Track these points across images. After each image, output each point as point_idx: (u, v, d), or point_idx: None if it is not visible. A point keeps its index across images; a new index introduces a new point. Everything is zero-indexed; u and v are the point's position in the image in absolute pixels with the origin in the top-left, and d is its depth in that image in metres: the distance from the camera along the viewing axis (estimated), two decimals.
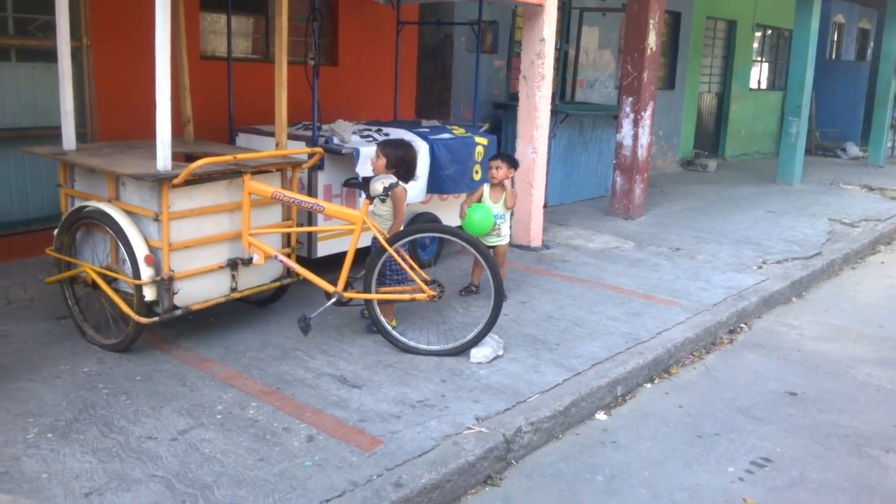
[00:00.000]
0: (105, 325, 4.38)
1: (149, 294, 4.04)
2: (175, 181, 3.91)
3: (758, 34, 15.76)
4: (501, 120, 9.09)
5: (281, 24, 4.63)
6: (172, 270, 4.08)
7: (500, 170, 5.30)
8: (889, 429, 4.09)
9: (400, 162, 4.56)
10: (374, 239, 4.37)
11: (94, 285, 4.31)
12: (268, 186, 4.36)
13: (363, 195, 4.36)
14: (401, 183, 4.49)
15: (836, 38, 18.23)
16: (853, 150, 15.96)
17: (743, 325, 5.62)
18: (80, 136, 5.63)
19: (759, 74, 16.26)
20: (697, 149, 14.15)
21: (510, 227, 5.56)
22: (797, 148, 11.65)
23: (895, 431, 4.06)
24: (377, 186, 4.17)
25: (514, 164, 5.39)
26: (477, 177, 6.12)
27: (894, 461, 3.75)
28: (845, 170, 13.83)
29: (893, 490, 3.49)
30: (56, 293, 4.76)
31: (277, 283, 4.76)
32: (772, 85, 16.70)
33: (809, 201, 10.35)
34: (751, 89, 15.67)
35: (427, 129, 6.13)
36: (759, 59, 16.14)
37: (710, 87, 14.55)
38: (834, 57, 18.17)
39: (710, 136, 14.87)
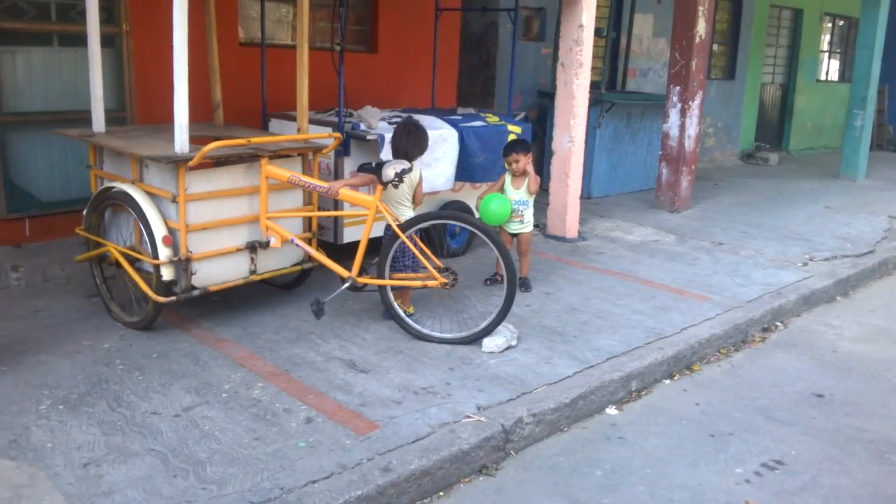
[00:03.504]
0: (129, 304, 4.51)
1: (166, 274, 4.13)
2: (190, 163, 3.98)
3: (827, 24, 15.11)
4: (547, 108, 8.96)
5: (302, 10, 4.65)
6: (190, 251, 4.16)
7: (519, 162, 5.23)
8: None
9: (397, 144, 4.53)
10: (388, 225, 4.36)
11: (119, 264, 4.43)
12: (284, 170, 4.39)
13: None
14: (415, 166, 4.46)
15: None
16: None
17: (779, 324, 5.41)
18: (120, 120, 5.81)
19: (828, 66, 15.60)
20: (759, 141, 13.68)
21: (533, 214, 5.44)
22: (862, 142, 11.14)
23: None
24: (389, 172, 4.15)
25: (528, 150, 5.29)
26: None
27: None
28: None
29: None
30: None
31: (299, 267, 4.80)
32: (842, 77, 16.00)
33: (871, 198, 9.89)
34: (818, 81, 15.05)
35: (460, 117, 6.09)
36: (828, 49, 15.47)
37: (773, 78, 14.03)
38: None
39: (774, 129, 14.35)
